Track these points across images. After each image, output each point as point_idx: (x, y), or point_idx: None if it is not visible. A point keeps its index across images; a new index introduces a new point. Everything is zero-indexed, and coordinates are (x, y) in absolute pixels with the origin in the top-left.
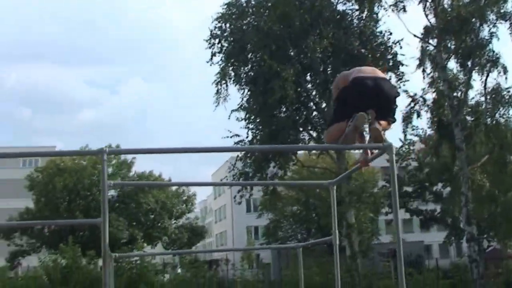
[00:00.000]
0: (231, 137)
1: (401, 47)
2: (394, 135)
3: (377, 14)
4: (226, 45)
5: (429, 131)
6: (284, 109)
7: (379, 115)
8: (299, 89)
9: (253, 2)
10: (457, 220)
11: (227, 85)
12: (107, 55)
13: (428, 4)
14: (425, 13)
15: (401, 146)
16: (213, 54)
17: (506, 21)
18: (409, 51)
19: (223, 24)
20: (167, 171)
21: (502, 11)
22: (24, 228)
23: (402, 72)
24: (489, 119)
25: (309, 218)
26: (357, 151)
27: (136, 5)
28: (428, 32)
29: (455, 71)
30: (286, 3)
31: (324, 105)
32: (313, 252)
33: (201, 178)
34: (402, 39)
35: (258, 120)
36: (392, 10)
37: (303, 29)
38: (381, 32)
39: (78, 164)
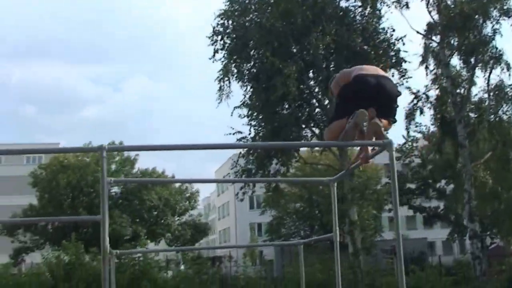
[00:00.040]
0: (233, 134)
1: (404, 44)
2: (397, 131)
3: (380, 10)
4: (228, 42)
5: (432, 128)
6: (286, 106)
7: (380, 113)
8: (301, 86)
9: None
10: (460, 217)
11: (229, 82)
12: (110, 53)
13: (431, 0)
14: (428, 10)
15: (404, 143)
16: (216, 51)
17: (509, 17)
18: (412, 48)
19: (226, 21)
20: (170, 168)
21: (505, 7)
22: (27, 224)
23: (405, 69)
24: (492, 115)
25: (312, 215)
26: (359, 148)
27: (139, 3)
28: (431, 29)
29: (458, 67)
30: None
31: (326, 102)
32: (316, 249)
33: (204, 175)
34: (405, 36)
35: (260, 117)
36: (395, 7)
37: (305, 26)
38: (383, 29)
39: (82, 161)
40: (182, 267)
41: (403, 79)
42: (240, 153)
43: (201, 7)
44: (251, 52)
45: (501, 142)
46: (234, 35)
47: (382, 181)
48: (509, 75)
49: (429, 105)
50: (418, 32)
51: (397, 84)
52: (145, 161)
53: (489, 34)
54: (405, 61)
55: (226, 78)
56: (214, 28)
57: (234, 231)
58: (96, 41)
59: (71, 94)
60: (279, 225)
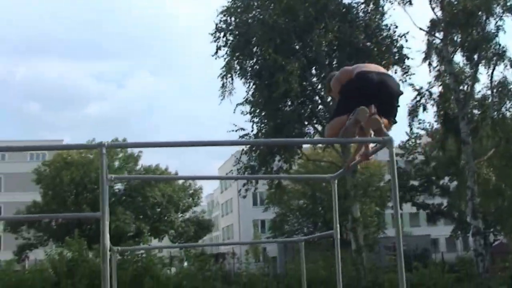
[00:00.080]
0: (236, 130)
1: (406, 41)
2: (400, 128)
3: (382, 7)
4: (231, 38)
5: (435, 125)
6: (289, 103)
7: (381, 111)
8: (304, 83)
9: None
10: (463, 214)
11: (232, 79)
12: (114, 50)
13: None
14: (431, 6)
15: (407, 140)
16: (218, 48)
17: None
18: (414, 45)
19: (229, 18)
20: (174, 165)
21: (508, 4)
22: (31, 221)
23: (408, 66)
24: (495, 112)
25: (315, 211)
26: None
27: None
28: (434, 26)
29: (461, 64)
30: None
31: (329, 99)
32: (319, 246)
33: (208, 172)
34: (407, 33)
35: (263, 114)
36: (398, 3)
37: (308, 23)
38: (386, 26)
39: (85, 157)
40: (185, 263)
41: (406, 75)
42: (243, 150)
43: (205, 3)
44: (254, 49)
45: (504, 139)
46: (237, 32)
47: (385, 178)
48: None
49: (432, 102)
50: (421, 28)
51: (400, 81)
52: (148, 158)
53: (493, 31)
54: (408, 58)
55: (229, 75)
56: (216, 25)
57: (237, 228)
58: (99, 39)
59: (74, 91)
60: (282, 222)
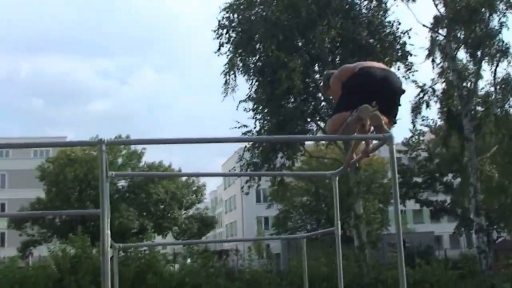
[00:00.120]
0: (239, 127)
1: (409, 37)
2: (403, 125)
3: (385, 4)
4: (234, 35)
5: (439, 122)
6: (292, 100)
7: (383, 108)
8: (307, 80)
9: None
10: (467, 211)
11: (235, 76)
12: (117, 47)
13: None
14: (434, 3)
15: (411, 137)
16: (221, 45)
17: None
18: (418, 41)
19: (231, 14)
20: (177, 161)
21: (511, 0)
22: (35, 218)
23: (411, 63)
24: (498, 109)
25: (319, 208)
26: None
27: None
28: (437, 22)
29: (464, 61)
30: None
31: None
32: (322, 243)
33: (211, 169)
34: (410, 29)
35: (266, 111)
36: (401, 0)
37: (310, 19)
38: (389, 22)
39: (89, 154)
40: (189, 260)
41: (409, 72)
42: (245, 146)
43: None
44: (257, 46)
45: (507, 135)
46: (240, 29)
47: (389, 175)
48: None
49: (435, 98)
50: (424, 25)
51: (403, 78)
52: (152, 155)
53: (496, 27)
54: (411, 55)
55: (232, 72)
56: (219, 21)
57: (241, 225)
58: (102, 36)
59: (78, 88)
60: (286, 219)
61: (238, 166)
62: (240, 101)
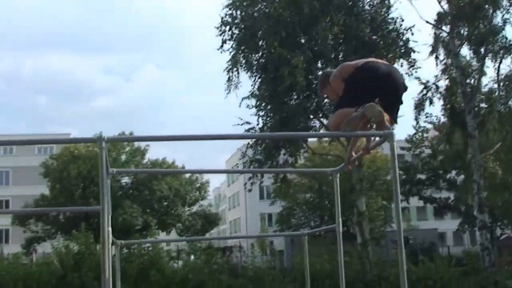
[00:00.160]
0: (242, 124)
1: (412, 34)
2: (407, 122)
3: (389, 0)
4: (237, 32)
5: (443, 119)
6: (294, 97)
7: (385, 104)
8: (310, 76)
9: None
10: (470, 208)
11: (238, 73)
12: (121, 43)
13: None
14: (437, 0)
15: (415, 134)
16: (224, 41)
17: None
18: (421, 38)
19: (234, 11)
20: (181, 158)
21: None
22: (39, 214)
23: (414, 59)
24: (502, 106)
25: (322, 205)
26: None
27: None
28: (441, 19)
29: (468, 58)
30: None
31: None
32: (325, 239)
33: (215, 165)
34: (413, 26)
35: (268, 108)
36: None
37: (313, 16)
38: (393, 19)
39: (92, 151)
40: (192, 257)
41: (412, 69)
42: (248, 143)
43: None
44: (260, 43)
45: (511, 132)
46: (243, 26)
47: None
48: None
49: (438, 95)
50: (427, 22)
51: (406, 74)
52: (156, 152)
53: (499, 24)
54: (414, 51)
55: (235, 69)
56: (222, 18)
57: (244, 222)
58: (107, 32)
59: (82, 85)
60: (289, 216)
61: (241, 163)
62: (243, 98)
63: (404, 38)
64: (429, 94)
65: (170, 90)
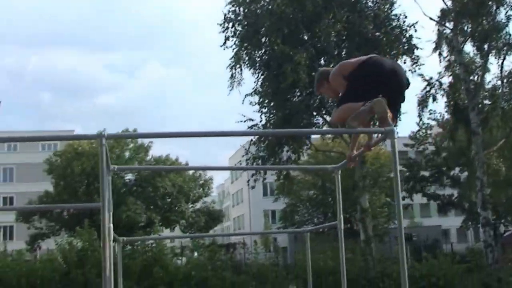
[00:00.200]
0: (244, 121)
1: (416, 30)
2: (411, 119)
3: None
4: (240, 29)
5: (446, 115)
6: (297, 93)
7: (389, 100)
8: (312, 73)
9: None
10: (474, 204)
11: (241, 69)
12: (125, 41)
13: None
14: None
15: (418, 130)
16: (227, 38)
17: None
18: (424, 35)
19: (237, 8)
20: (185, 155)
21: None
22: (43, 211)
23: (417, 56)
24: (505, 103)
25: (325, 202)
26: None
27: None
28: (444, 15)
29: (471, 54)
30: None
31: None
32: (329, 236)
33: (219, 162)
34: (417, 22)
35: (271, 104)
36: None
37: (316, 13)
38: (396, 15)
39: (96, 148)
40: (195, 254)
41: (416, 66)
42: (251, 140)
43: None
44: (262, 39)
45: None
46: (245, 22)
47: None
48: None
49: (442, 92)
50: (431, 18)
51: (410, 71)
52: (160, 148)
53: (503, 21)
54: (418, 48)
55: (238, 66)
56: (225, 15)
57: (248, 218)
58: (111, 29)
59: (87, 82)
60: (293, 213)
61: (244, 160)
62: (246, 95)
63: (407, 35)
64: (433, 91)
65: (173, 87)
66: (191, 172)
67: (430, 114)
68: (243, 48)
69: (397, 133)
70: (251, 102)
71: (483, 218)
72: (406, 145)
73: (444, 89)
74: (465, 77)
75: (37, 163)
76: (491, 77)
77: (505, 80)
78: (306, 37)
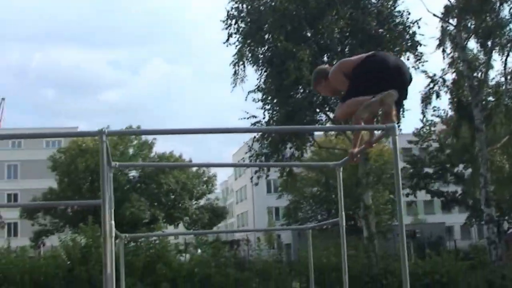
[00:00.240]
0: (248, 118)
1: (419, 27)
2: (415, 115)
3: None
4: (243, 25)
5: (450, 112)
6: (301, 90)
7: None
8: None
9: None
10: (478, 201)
11: (244, 66)
12: (129, 37)
13: None
14: None
15: (422, 127)
16: (230, 35)
17: None
18: (427, 31)
19: (240, 5)
20: (189, 151)
21: None
22: (47, 208)
23: (421, 53)
24: (509, 99)
25: (329, 199)
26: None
27: None
28: (448, 12)
29: (475, 51)
30: None
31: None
32: (332, 233)
33: (223, 159)
34: (420, 19)
35: (274, 101)
36: None
37: (319, 9)
38: (399, 12)
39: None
40: (199, 251)
41: (419, 63)
42: (255, 137)
43: None
44: (265, 36)
45: None
46: (249, 19)
47: (400, 165)
48: None
49: (445, 89)
50: (434, 15)
51: (413, 68)
52: (163, 145)
53: (507, 17)
54: (421, 45)
55: (241, 62)
56: (228, 12)
57: (252, 215)
58: (115, 26)
59: (90, 78)
60: (296, 209)
61: (247, 157)
62: (249, 92)
63: (410, 32)
64: (436, 87)
65: (177, 84)
66: (194, 169)
67: (434, 111)
68: (246, 45)
69: (401, 130)
70: (254, 99)
71: (487, 215)
72: (410, 142)
73: (447, 86)
74: (468, 73)
75: (41, 160)
76: (495, 74)
77: (508, 77)
78: (309, 34)
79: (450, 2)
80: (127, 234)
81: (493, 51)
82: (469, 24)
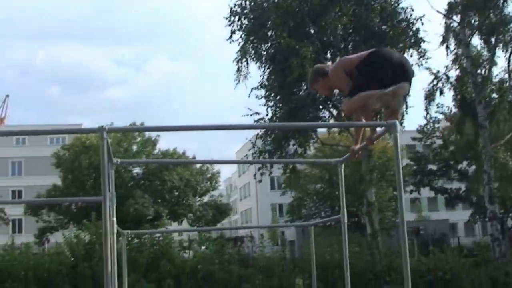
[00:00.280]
0: (251, 115)
1: (422, 24)
2: (418, 112)
3: None
4: (246, 22)
5: (454, 109)
6: (304, 87)
7: None
8: None
9: None
10: (482, 198)
11: (247, 63)
12: (133, 34)
13: None
14: None
15: (426, 124)
16: (233, 32)
17: None
18: (431, 28)
19: (243, 1)
20: (193, 148)
21: None
22: (51, 204)
23: (424, 49)
24: None
25: (333, 195)
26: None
27: None
28: (451, 8)
29: (478, 48)
30: None
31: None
32: (336, 230)
33: (226, 155)
34: (424, 15)
35: (278, 98)
36: None
37: (322, 6)
38: (403, 9)
39: None
40: (203, 247)
41: (422, 59)
42: (258, 134)
43: None
44: (269, 33)
45: None
46: (252, 16)
47: (404, 162)
48: None
49: (449, 85)
50: (438, 11)
51: (416, 65)
52: (167, 142)
53: (510, 14)
54: (424, 41)
55: (244, 59)
56: (231, 8)
57: (255, 212)
58: (119, 23)
59: (94, 76)
60: (300, 206)
61: (251, 154)
62: (252, 89)
63: (414, 28)
64: (440, 84)
65: (180, 81)
66: (198, 165)
67: (438, 107)
68: (249, 42)
69: (404, 126)
70: (257, 95)
71: (490, 212)
72: (413, 138)
73: (451, 83)
74: (472, 70)
75: (45, 157)
76: (499, 71)
77: None
78: (312, 31)
79: None
80: (131, 230)
81: (497, 48)
82: (472, 21)
